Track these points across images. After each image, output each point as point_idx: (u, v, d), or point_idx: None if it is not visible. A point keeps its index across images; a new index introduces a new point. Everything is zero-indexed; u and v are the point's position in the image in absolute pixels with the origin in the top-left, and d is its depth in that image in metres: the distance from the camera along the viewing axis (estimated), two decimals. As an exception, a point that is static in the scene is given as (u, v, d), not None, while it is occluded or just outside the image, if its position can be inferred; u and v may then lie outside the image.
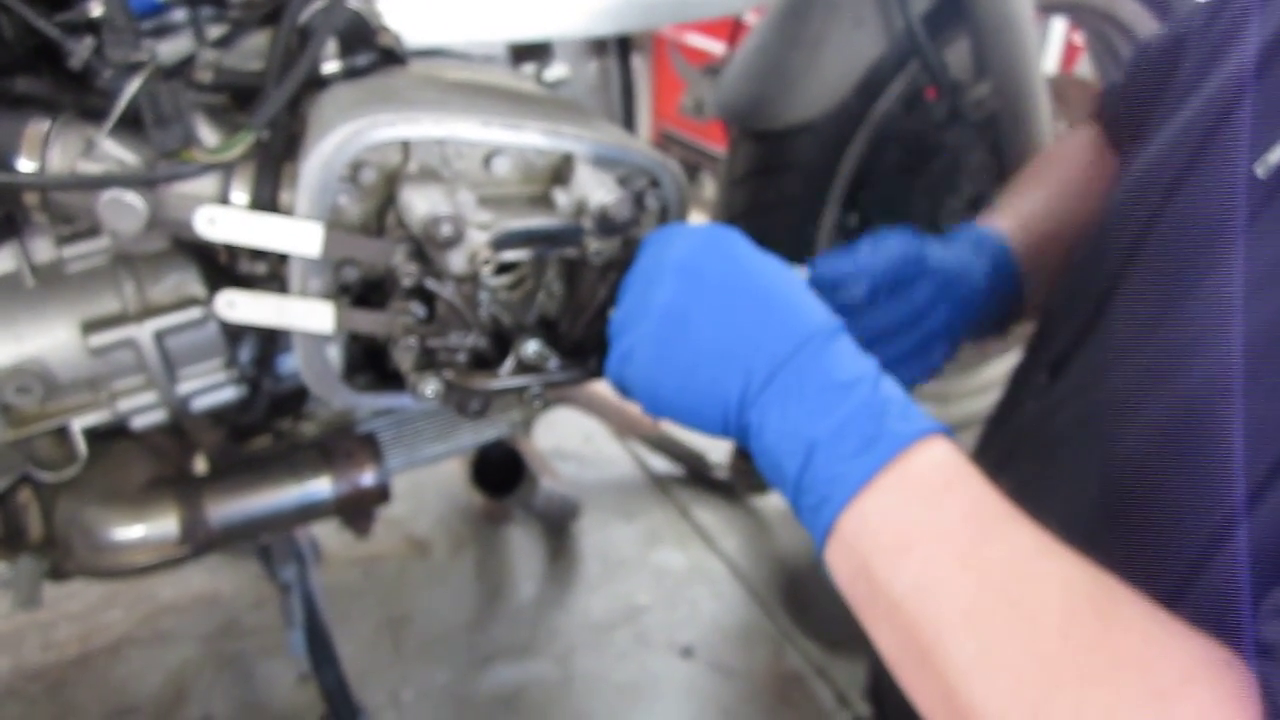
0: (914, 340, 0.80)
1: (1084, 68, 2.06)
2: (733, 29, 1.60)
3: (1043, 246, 0.88)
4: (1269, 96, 0.62)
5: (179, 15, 0.83)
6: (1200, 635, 0.47)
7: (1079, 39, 2.35)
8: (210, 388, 0.94)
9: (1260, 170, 0.58)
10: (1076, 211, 0.89)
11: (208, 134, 0.78)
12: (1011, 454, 0.78)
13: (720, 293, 0.60)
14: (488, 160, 0.76)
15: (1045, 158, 0.98)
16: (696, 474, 2.01)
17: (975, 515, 0.51)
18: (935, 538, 0.51)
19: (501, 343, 0.78)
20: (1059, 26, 2.57)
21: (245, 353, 0.97)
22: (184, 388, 0.92)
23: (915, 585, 0.50)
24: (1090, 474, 0.65)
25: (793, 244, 1.47)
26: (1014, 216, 0.89)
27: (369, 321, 0.75)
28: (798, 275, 0.63)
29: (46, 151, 0.74)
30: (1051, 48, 2.60)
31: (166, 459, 1.02)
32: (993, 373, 1.96)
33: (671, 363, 0.61)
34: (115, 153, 0.74)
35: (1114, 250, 0.72)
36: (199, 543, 0.99)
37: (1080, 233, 0.84)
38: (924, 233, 0.82)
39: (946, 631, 0.48)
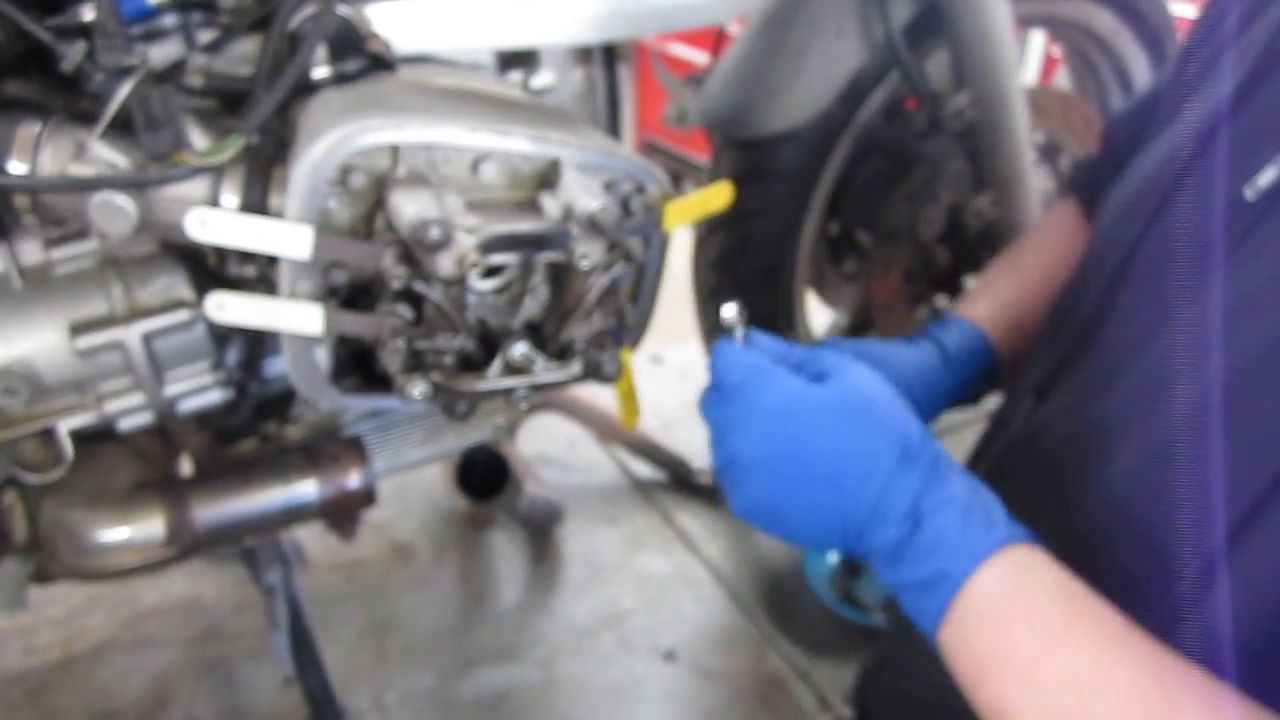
0: None
1: (1062, 79, 2.09)
2: (716, 39, 1.62)
3: (1022, 326, 0.92)
4: (1255, 121, 0.63)
5: (169, 20, 0.84)
6: None
7: (1058, 51, 2.38)
8: (197, 390, 0.94)
9: (1249, 193, 0.60)
10: (1055, 288, 0.91)
11: (198, 138, 0.78)
12: (1003, 472, 0.79)
13: (794, 481, 0.62)
14: (475, 165, 0.77)
15: (1026, 240, 1.01)
16: (679, 479, 2.02)
17: (1033, 634, 0.55)
18: (1002, 664, 0.55)
19: (489, 345, 0.79)
20: (1038, 39, 2.60)
21: (232, 355, 0.98)
22: (171, 390, 0.93)
23: (991, 711, 0.56)
24: (1080, 493, 0.66)
25: (775, 251, 1.49)
26: (994, 302, 0.93)
27: (358, 324, 0.76)
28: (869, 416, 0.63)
29: (37, 154, 0.74)
30: (1030, 60, 2.63)
31: (152, 461, 1.03)
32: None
33: (777, 527, 0.64)
34: (106, 156, 0.75)
35: (1097, 278, 0.73)
36: (184, 545, 0.99)
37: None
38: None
39: None
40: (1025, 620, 0.55)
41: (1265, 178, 0.59)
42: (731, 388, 0.65)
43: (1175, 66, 0.80)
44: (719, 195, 0.81)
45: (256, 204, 0.78)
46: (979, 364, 0.89)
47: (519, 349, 0.78)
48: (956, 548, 0.58)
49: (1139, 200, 0.72)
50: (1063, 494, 0.69)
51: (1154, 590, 0.58)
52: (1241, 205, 0.60)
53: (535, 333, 0.82)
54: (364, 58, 0.85)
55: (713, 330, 1.62)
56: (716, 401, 0.67)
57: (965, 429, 1.96)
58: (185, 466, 1.08)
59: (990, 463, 0.82)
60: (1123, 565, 0.61)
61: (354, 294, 0.80)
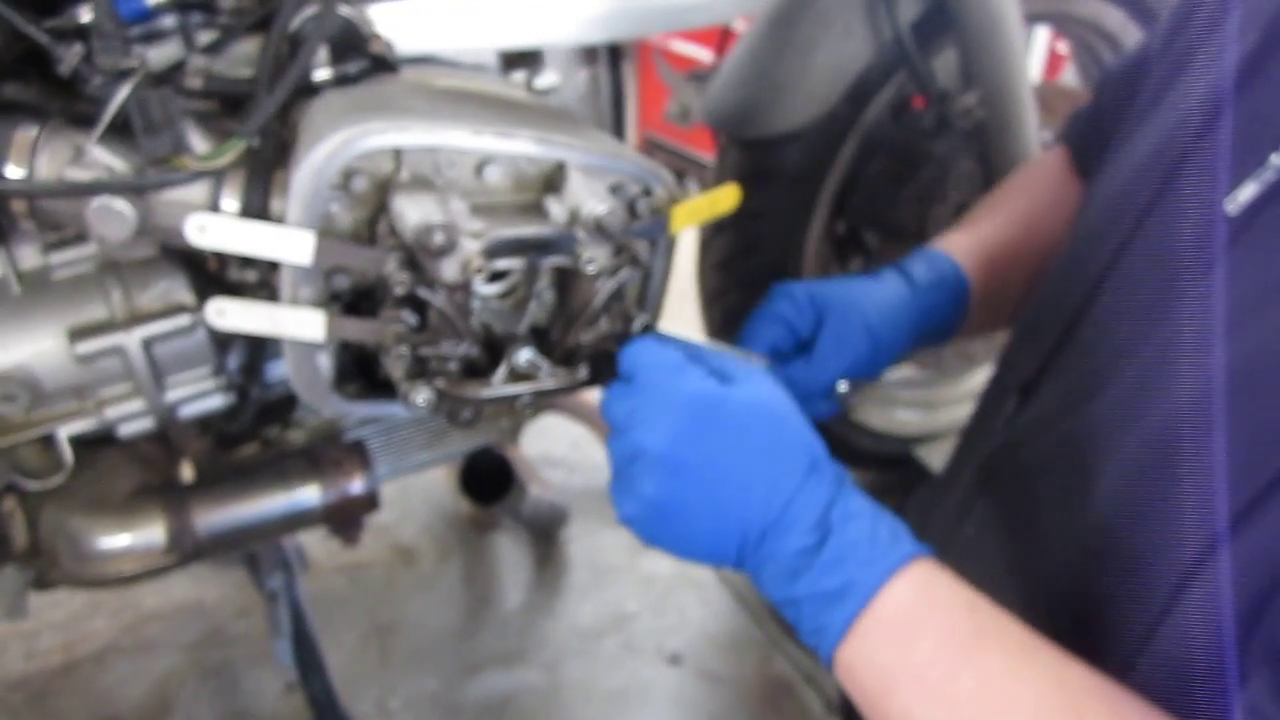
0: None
1: (1069, 76, 2.07)
2: (721, 37, 1.61)
3: (999, 264, 0.91)
4: (1239, 128, 0.62)
5: (168, 21, 0.82)
6: None
7: (1063, 48, 2.37)
8: (198, 395, 0.93)
9: (1230, 207, 0.59)
10: (1038, 233, 0.92)
11: (198, 141, 0.77)
12: (988, 479, 0.79)
13: (700, 478, 0.62)
14: (479, 168, 0.76)
15: (1012, 181, 1.01)
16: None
17: (945, 647, 0.55)
18: (911, 679, 0.55)
19: (493, 351, 0.78)
20: (1042, 35, 2.59)
21: (233, 360, 0.97)
22: (172, 395, 0.92)
23: None
24: (1067, 503, 0.66)
25: (781, 251, 1.48)
26: (971, 235, 0.93)
27: (360, 330, 0.75)
28: (775, 425, 0.63)
29: (35, 158, 0.73)
30: (1034, 56, 2.62)
31: (153, 467, 1.02)
32: (979, 380, 1.97)
33: (669, 532, 0.65)
34: (104, 159, 0.74)
35: (1081, 277, 0.73)
36: (186, 551, 0.98)
37: (1042, 255, 0.88)
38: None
39: None
40: (936, 633, 0.55)
41: (1246, 193, 0.59)
42: (645, 381, 0.65)
43: (1167, 28, 0.78)
44: (727, 197, 0.79)
45: (257, 208, 0.76)
46: (949, 290, 0.88)
47: (524, 355, 0.77)
48: (866, 559, 0.57)
49: (1122, 204, 0.71)
50: (1049, 506, 0.69)
51: (1133, 606, 0.57)
52: (1223, 219, 0.60)
53: (541, 338, 0.81)
54: (366, 59, 0.83)
55: (724, 331, 1.61)
56: (624, 395, 0.66)
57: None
58: (186, 472, 1.07)
59: (973, 471, 0.81)
60: (1105, 579, 0.61)
61: (356, 299, 0.78)
